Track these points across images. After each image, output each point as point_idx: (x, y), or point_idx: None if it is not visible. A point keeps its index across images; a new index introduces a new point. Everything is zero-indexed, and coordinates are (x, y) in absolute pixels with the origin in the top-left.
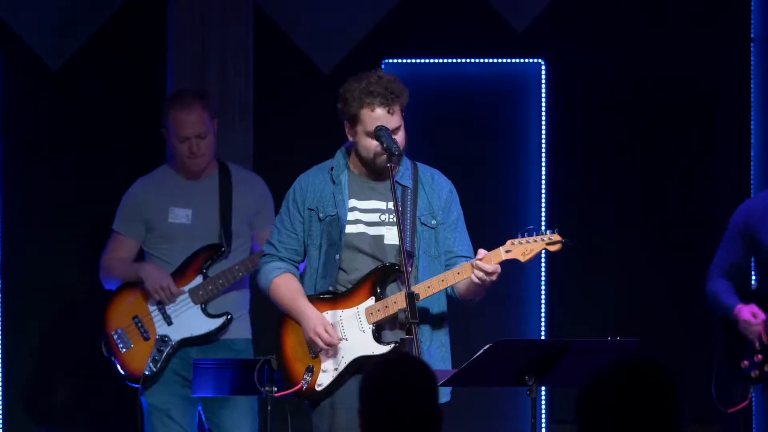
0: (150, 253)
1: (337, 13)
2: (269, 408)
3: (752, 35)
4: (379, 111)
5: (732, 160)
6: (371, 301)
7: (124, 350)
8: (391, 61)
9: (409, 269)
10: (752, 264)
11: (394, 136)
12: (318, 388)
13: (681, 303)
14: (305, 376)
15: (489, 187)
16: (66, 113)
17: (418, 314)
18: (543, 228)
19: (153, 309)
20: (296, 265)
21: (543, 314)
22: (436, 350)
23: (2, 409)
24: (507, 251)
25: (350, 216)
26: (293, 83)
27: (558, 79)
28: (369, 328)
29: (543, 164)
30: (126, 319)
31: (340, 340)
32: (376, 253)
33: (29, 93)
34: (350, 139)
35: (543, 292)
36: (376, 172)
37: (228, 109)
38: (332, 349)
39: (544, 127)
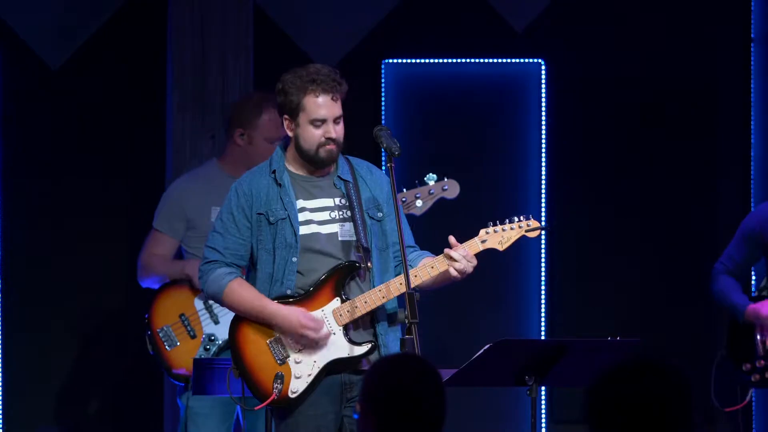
0: (189, 252)
1: (337, 13)
2: (269, 407)
3: (752, 35)
4: (324, 98)
5: (732, 160)
6: (337, 302)
7: (170, 348)
8: (391, 61)
9: (369, 265)
10: (752, 270)
11: (337, 126)
12: (292, 396)
13: (681, 303)
14: (275, 385)
15: (489, 188)
16: (66, 113)
17: (418, 314)
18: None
19: (200, 307)
20: (241, 270)
21: (543, 314)
22: (392, 341)
23: (2, 410)
24: (483, 241)
25: (301, 217)
26: None
27: (558, 79)
28: (339, 330)
29: (543, 164)
30: (172, 316)
31: (322, 324)
32: (333, 251)
33: (29, 93)
34: (290, 134)
35: (543, 292)
36: (317, 166)
37: (228, 109)
38: (302, 354)
39: (544, 127)
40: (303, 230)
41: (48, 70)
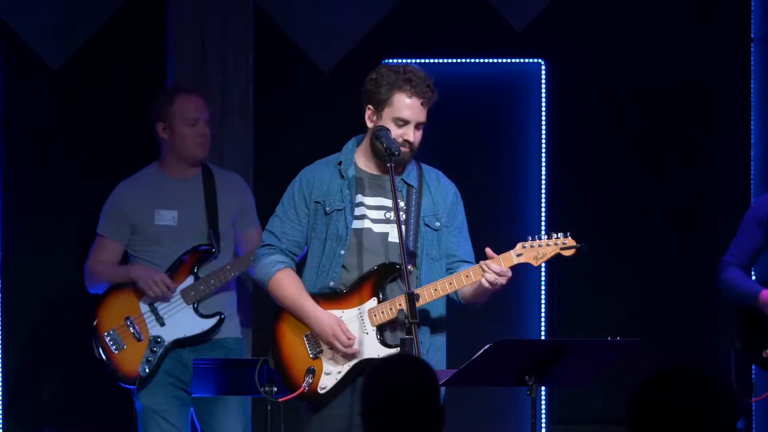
0: (135, 255)
1: (337, 12)
2: (269, 408)
3: (752, 35)
4: (414, 100)
5: (732, 160)
6: (374, 302)
7: (117, 351)
8: (391, 61)
9: (411, 269)
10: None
11: (417, 132)
12: (321, 391)
13: (681, 303)
14: (306, 378)
15: (489, 188)
16: (66, 113)
17: (418, 315)
18: (546, 231)
19: (145, 310)
20: (295, 258)
21: (543, 314)
22: (433, 354)
23: (2, 409)
24: (518, 255)
25: (357, 211)
26: (293, 83)
27: (558, 79)
28: (372, 330)
29: (543, 164)
30: (118, 320)
31: (353, 340)
32: (380, 250)
33: (29, 93)
34: (369, 124)
35: (543, 292)
36: (387, 163)
37: (228, 109)
38: (335, 351)
39: (544, 127)
40: (356, 224)
41: (48, 70)
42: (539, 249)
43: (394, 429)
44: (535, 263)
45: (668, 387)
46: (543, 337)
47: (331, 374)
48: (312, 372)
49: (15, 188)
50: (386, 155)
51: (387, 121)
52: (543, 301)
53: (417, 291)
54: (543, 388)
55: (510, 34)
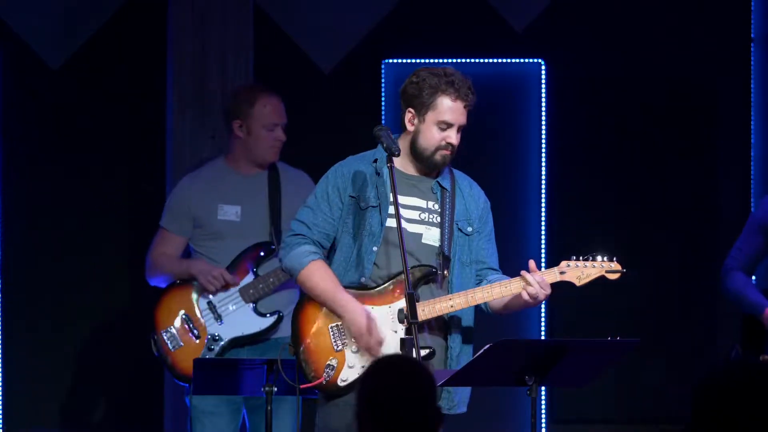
0: (197, 250)
1: (337, 12)
2: (269, 408)
3: (752, 35)
4: (458, 103)
5: (732, 160)
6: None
7: (174, 349)
8: (391, 61)
9: (445, 273)
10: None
11: (458, 135)
12: (341, 383)
13: (681, 303)
14: (327, 370)
15: (489, 188)
16: (66, 113)
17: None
18: (591, 253)
19: (204, 307)
20: (325, 251)
21: (543, 314)
22: (464, 359)
23: (2, 409)
24: (562, 272)
25: (391, 210)
26: (293, 83)
27: (558, 79)
28: (401, 329)
29: (543, 164)
30: (176, 317)
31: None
32: (413, 251)
33: (29, 93)
34: (409, 127)
35: None
36: (427, 167)
37: (225, 104)
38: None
39: (544, 127)
40: (389, 222)
41: (48, 70)
42: (584, 269)
43: (388, 430)
44: (577, 283)
45: (734, 386)
46: (543, 337)
47: (354, 368)
48: (333, 364)
49: (15, 188)
50: (386, 155)
51: (430, 125)
52: (543, 301)
53: (453, 296)
54: (543, 388)
55: (510, 34)
